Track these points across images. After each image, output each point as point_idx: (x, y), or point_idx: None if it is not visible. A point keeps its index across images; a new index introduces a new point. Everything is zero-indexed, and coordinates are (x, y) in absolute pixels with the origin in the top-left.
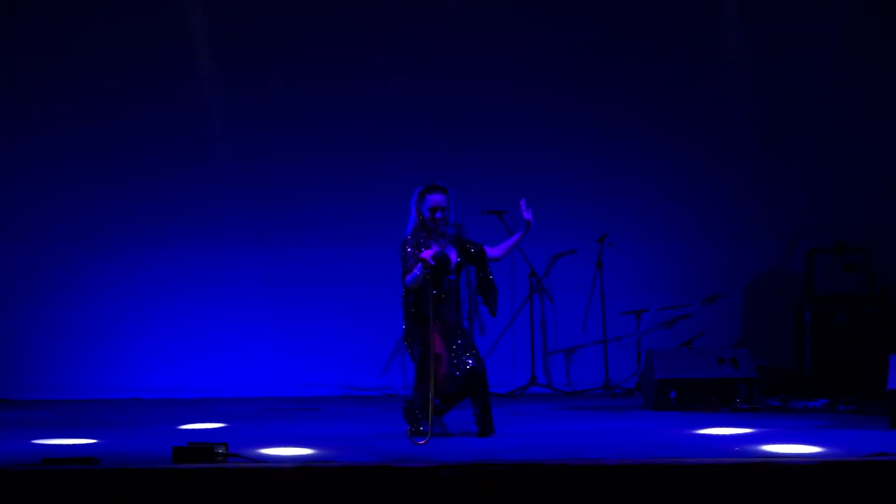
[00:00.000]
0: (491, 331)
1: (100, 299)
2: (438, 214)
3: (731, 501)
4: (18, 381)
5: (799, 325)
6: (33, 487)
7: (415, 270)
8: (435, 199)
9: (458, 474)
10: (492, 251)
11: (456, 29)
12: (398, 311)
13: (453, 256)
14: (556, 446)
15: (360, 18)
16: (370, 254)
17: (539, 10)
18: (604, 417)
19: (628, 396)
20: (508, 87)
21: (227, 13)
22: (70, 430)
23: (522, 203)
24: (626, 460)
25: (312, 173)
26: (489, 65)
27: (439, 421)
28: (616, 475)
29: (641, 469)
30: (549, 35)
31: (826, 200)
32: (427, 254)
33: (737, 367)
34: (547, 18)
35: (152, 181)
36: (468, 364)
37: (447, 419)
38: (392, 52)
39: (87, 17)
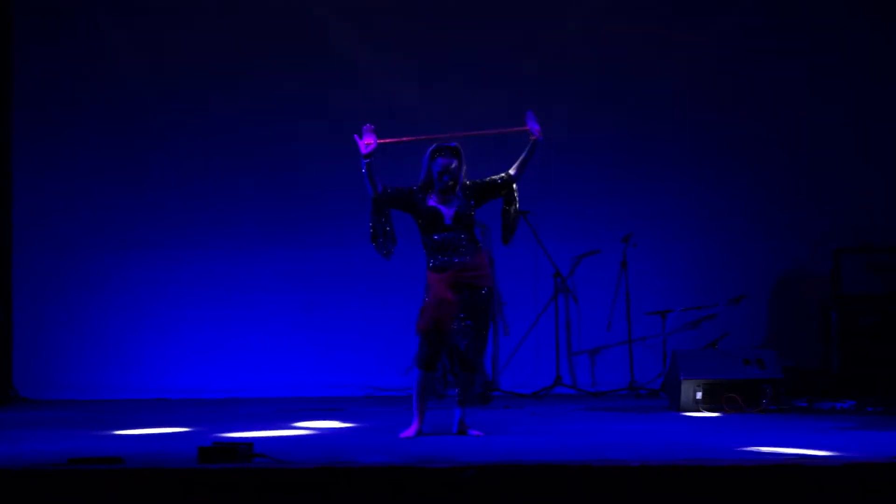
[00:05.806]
0: (515, 331)
1: (125, 301)
2: (447, 178)
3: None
4: (44, 382)
5: (825, 325)
6: (59, 487)
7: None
8: (442, 162)
9: (481, 475)
10: (512, 172)
11: (479, 28)
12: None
13: (448, 213)
14: (580, 447)
15: (374, 25)
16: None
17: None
18: (629, 419)
19: (653, 397)
20: (534, 84)
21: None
22: (95, 430)
23: (529, 114)
24: (651, 461)
25: (333, 173)
26: (515, 61)
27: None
28: (640, 476)
29: (666, 470)
30: (577, 32)
31: (853, 200)
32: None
33: (763, 368)
34: (577, 12)
35: (176, 184)
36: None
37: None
38: (410, 54)
39: (111, 20)
